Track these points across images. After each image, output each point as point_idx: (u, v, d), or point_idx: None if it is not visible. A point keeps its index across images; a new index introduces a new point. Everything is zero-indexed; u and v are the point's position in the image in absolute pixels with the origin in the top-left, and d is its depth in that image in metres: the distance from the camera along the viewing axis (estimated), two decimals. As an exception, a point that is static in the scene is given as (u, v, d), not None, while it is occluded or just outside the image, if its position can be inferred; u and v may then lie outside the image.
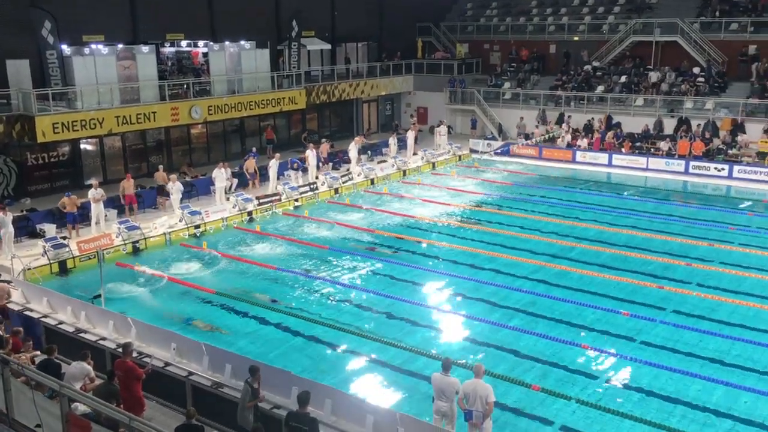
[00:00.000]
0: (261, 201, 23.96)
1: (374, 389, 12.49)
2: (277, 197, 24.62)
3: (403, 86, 39.40)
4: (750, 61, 32.71)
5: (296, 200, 24.95)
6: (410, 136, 32.71)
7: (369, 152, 32.47)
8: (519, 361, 13.45)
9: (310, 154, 27.75)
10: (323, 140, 32.11)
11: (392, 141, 32.32)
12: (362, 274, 18.22)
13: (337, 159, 30.82)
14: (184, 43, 31.70)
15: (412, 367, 13.16)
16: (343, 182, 27.19)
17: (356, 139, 31.20)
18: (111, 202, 22.26)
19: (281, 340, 14.51)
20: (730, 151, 29.36)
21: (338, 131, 36.97)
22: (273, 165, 26.21)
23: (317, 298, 16.66)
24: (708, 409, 11.70)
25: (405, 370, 13.10)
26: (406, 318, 15.44)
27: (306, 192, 25.65)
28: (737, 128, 30.31)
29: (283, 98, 30.41)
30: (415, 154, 32.10)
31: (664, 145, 30.65)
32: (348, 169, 28.62)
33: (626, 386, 12.55)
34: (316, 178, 27.24)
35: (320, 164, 28.68)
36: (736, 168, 28.09)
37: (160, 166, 24.89)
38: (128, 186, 22.31)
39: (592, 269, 18.11)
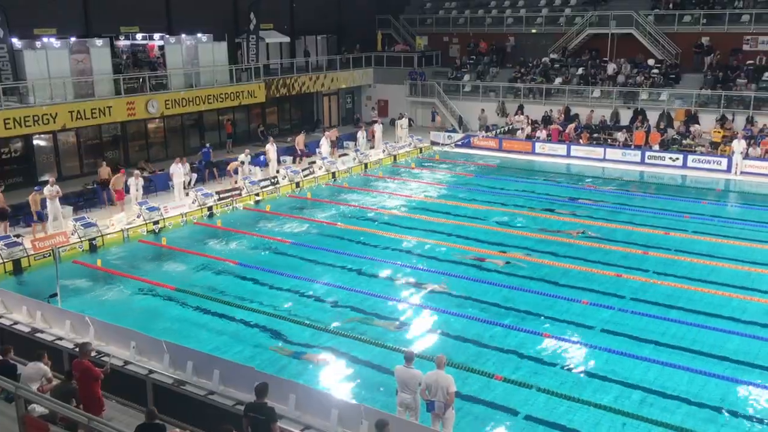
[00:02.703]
0: (221, 196, 23.69)
1: (339, 383, 12.48)
2: (238, 192, 24.37)
3: (364, 79, 39.34)
4: (703, 53, 33.46)
5: (257, 195, 24.73)
6: (377, 129, 32.73)
7: (336, 143, 32.36)
8: (481, 351, 13.57)
9: (270, 148, 27.54)
10: (325, 127, 32.06)
11: (360, 135, 32.25)
12: (325, 267, 18.15)
13: (299, 153, 30.64)
14: (139, 36, 31.09)
15: (376, 360, 13.18)
16: (305, 176, 27.05)
17: (327, 133, 31.03)
18: (65, 199, 21.77)
19: (245, 336, 14.39)
20: (684, 141, 30.03)
21: (299, 125, 36.73)
22: (270, 150, 26.36)
23: (281, 293, 16.54)
24: (666, 394, 11.95)
25: (368, 363, 13.10)
26: (369, 311, 15.44)
27: (267, 186, 25.45)
28: (691, 119, 31.02)
29: (242, 92, 30.09)
30: (373, 147, 32.09)
31: (620, 136, 31.21)
32: (310, 163, 28.48)
33: (587, 373, 12.76)
34: (277, 172, 27.04)
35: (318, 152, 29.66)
36: (690, 158, 28.75)
37: (104, 162, 24.45)
38: (117, 181, 21.95)
39: (551, 259, 18.34)
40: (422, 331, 14.55)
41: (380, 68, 40.13)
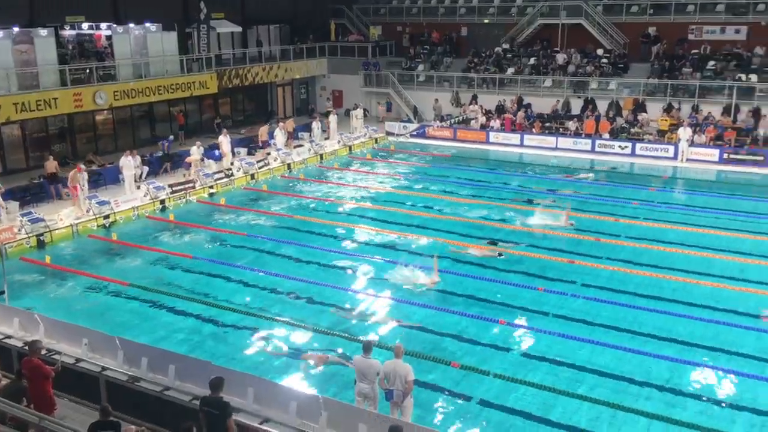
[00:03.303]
0: (174, 189, 23.29)
1: (297, 375, 12.44)
2: (191, 185, 24.01)
3: (318, 69, 39.08)
4: (650, 43, 34.22)
5: (211, 187, 24.39)
6: (332, 120, 32.57)
7: (295, 135, 32.14)
8: (438, 339, 13.69)
9: (224, 140, 27.18)
10: (280, 118, 31.76)
11: (315, 125, 32.03)
12: (281, 259, 18.04)
13: (253, 144, 30.32)
14: (85, 25, 30.21)
15: (331, 350, 13.15)
16: (260, 168, 26.79)
17: (281, 124, 30.74)
18: (10, 194, 21.12)
19: (201, 330, 14.23)
20: (632, 130, 30.72)
21: (252, 116, 36.32)
22: (224, 141, 25.87)
23: (238, 287, 16.38)
24: (617, 377, 12.25)
25: (326, 351, 13.07)
26: (326, 302, 15.43)
27: (221, 179, 25.12)
28: (639, 107, 31.74)
29: (194, 82, 29.58)
30: (328, 138, 31.93)
31: (572, 125, 31.75)
32: (266, 155, 28.20)
33: (540, 357, 12.98)
34: (231, 164, 26.71)
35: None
36: (638, 146, 29.43)
37: (50, 156, 23.79)
38: (74, 177, 21.36)
39: (509, 247, 18.53)
40: (380, 321, 14.59)
41: (334, 58, 39.92)
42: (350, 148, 31.38)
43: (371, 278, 16.78)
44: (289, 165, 27.97)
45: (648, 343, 13.38)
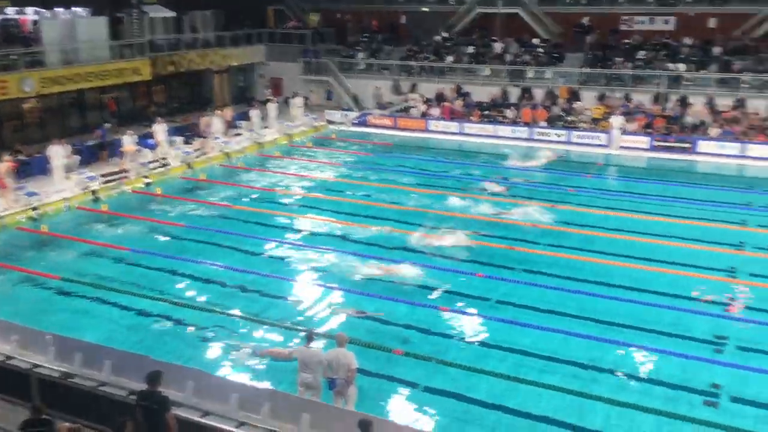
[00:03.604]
0: (107, 179, 22.57)
1: (238, 367, 12.28)
2: (125, 174, 23.31)
3: (256, 56, 38.45)
4: (584, 33, 34.99)
5: (146, 177, 23.74)
6: (271, 108, 32.10)
7: (232, 121, 31.48)
8: (380, 327, 13.73)
9: (158, 129, 26.46)
10: (218, 106, 30.92)
11: (254, 113, 31.51)
12: (221, 250, 17.73)
13: (189, 132, 29.63)
14: (10, 10, 28.92)
15: (275, 341, 13.05)
16: (197, 157, 26.23)
17: (218, 112, 30.10)
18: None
19: (138, 324, 13.86)
20: (568, 118, 31.40)
21: (188, 104, 35.48)
22: (159, 130, 25.21)
23: (177, 279, 16.03)
24: (544, 356, 12.60)
25: (268, 344, 12.95)
26: (267, 292, 15.27)
27: (157, 168, 24.48)
28: (574, 96, 32.46)
29: (126, 69, 28.71)
30: (268, 126, 31.52)
31: (509, 113, 32.22)
32: (203, 143, 27.61)
33: (482, 344, 13.19)
34: (166, 154, 26.00)
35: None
36: (574, 133, 30.11)
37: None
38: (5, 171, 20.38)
39: (446, 234, 18.64)
40: (323, 311, 14.52)
41: (273, 45, 39.35)
42: (290, 136, 31.04)
43: (316, 268, 16.64)
44: (227, 154, 27.48)
45: (570, 322, 13.75)
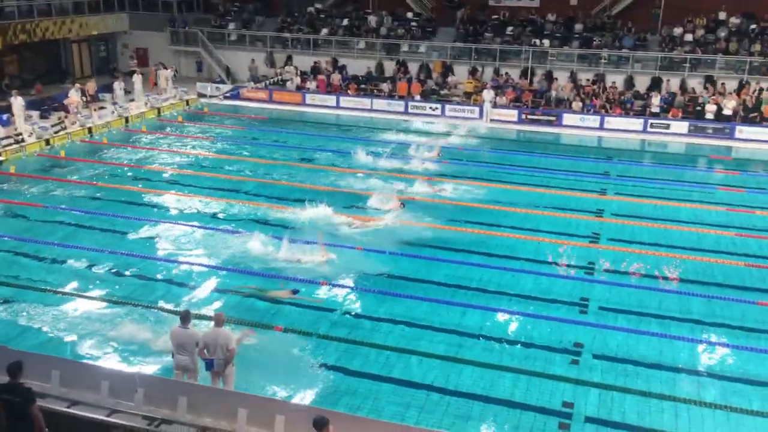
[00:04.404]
0: (-48, 157, 20.66)
1: (110, 353, 11.68)
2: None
3: (118, 25, 36.19)
4: (455, 8, 35.70)
5: (-2, 154, 21.92)
6: (137, 80, 30.39)
7: (85, 98, 29.53)
8: (260, 305, 13.52)
9: (14, 102, 24.44)
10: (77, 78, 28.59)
11: (117, 86, 29.73)
12: (89, 231, 16.73)
13: (45, 106, 27.58)
14: None
15: (154, 325, 12.49)
16: (55, 132, 24.48)
17: (77, 85, 28.10)
18: None
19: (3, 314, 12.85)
20: (442, 92, 32.06)
21: (45, 75, 32.93)
22: (14, 104, 23.69)
23: (40, 264, 14.98)
24: (416, 324, 12.88)
25: (149, 328, 12.37)
26: (140, 274, 14.59)
27: (10, 145, 22.62)
28: (447, 70, 33.16)
29: (-29, 37, 26.21)
30: (134, 100, 29.93)
31: (385, 87, 32.44)
32: (60, 118, 25.78)
33: (367, 317, 13.25)
34: (17, 130, 23.96)
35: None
36: (447, 107, 30.81)
37: None
38: None
39: (317, 206, 18.34)
40: (201, 291, 14.06)
41: (136, 14, 37.24)
42: (159, 110, 29.64)
43: (185, 246, 16.05)
44: (90, 129, 25.85)
45: (441, 291, 14.16)
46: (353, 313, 13.38)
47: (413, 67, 33.61)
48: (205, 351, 9.77)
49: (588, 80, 31.28)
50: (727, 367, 11.89)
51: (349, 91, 32.48)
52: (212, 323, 10.38)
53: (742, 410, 10.59)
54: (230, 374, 9.90)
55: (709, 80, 30.03)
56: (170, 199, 19.25)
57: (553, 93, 30.68)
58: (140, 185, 20.29)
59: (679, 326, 13.08)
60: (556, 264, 15.74)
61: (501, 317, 13.39)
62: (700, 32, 31.91)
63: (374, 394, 10.85)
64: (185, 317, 9.98)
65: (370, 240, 16.65)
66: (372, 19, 35.79)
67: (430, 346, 12.24)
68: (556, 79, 31.34)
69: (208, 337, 9.81)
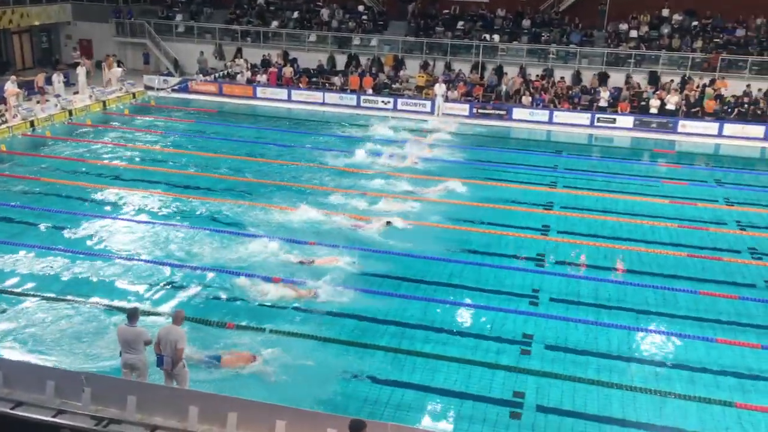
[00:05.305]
0: None
1: (58, 352, 11.31)
2: None
3: (60, 15, 35.18)
4: (407, 2, 35.74)
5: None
6: (81, 72, 29.51)
7: (25, 91, 28.51)
8: (213, 303, 13.33)
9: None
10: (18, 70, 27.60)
11: (56, 78, 28.78)
12: (33, 228, 16.19)
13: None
14: None
15: (102, 324, 12.16)
16: (-5, 126, 23.63)
17: (13, 77, 27.04)
18: None
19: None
20: (394, 86, 32.09)
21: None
22: None
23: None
24: (368, 318, 12.88)
25: (91, 326, 12.06)
26: (87, 273, 14.14)
27: (-54, 138, 21.78)
28: (399, 64, 33.20)
29: None
30: (78, 93, 29.05)
31: (337, 80, 32.29)
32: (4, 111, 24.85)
33: (294, 308, 13.11)
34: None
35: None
36: (399, 101, 30.86)
37: None
38: None
39: (267, 201, 18.35)
40: (159, 289, 13.72)
41: (79, 4, 36.23)
42: (104, 103, 28.87)
43: (135, 241, 15.69)
44: (32, 122, 25.01)
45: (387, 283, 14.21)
46: (318, 310, 13.14)
47: (365, 61, 33.53)
48: (160, 346, 9.57)
49: (537, 75, 31.74)
50: (673, 355, 12.23)
51: (300, 85, 32.22)
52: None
53: (689, 397, 10.91)
54: (182, 375, 9.68)
55: (653, 76, 30.82)
56: (115, 194, 18.73)
57: (504, 87, 31.01)
58: (81, 179, 19.68)
59: (628, 316, 13.40)
60: (508, 256, 15.93)
61: (452, 309, 13.50)
62: (645, 29, 32.72)
63: (343, 387, 10.79)
64: (132, 315, 9.75)
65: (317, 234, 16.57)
66: (324, 12, 35.55)
67: (375, 338, 12.24)
68: (506, 73, 31.69)
69: (161, 334, 9.62)
